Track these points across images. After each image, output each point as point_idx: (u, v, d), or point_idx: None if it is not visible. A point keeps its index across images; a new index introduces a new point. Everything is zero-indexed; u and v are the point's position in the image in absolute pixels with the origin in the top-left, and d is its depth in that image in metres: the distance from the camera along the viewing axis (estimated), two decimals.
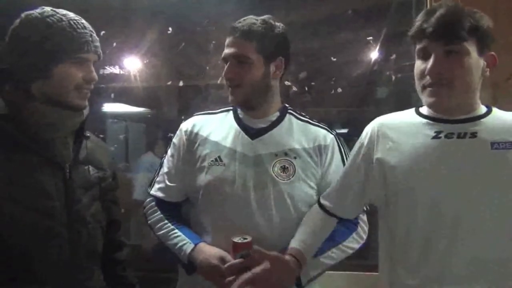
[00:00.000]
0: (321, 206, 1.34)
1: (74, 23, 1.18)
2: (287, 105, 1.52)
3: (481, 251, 1.07)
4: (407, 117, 1.23)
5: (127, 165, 3.56)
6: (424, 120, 1.19)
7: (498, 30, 1.63)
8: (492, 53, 1.13)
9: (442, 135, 1.14)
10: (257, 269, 1.19)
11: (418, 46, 1.13)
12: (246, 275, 1.19)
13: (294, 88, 2.80)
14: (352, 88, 3.01)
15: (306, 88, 2.86)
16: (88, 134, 1.33)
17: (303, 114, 1.52)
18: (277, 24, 1.42)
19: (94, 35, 1.23)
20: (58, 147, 1.20)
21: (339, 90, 2.83)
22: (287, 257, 1.26)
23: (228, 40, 1.40)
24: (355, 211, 1.36)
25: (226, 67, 1.40)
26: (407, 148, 1.16)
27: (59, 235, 1.17)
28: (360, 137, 1.30)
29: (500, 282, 1.07)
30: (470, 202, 1.08)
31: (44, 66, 1.15)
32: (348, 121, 3.10)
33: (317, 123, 1.49)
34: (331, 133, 1.48)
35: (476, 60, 1.10)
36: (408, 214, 1.15)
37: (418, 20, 1.12)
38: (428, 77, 1.11)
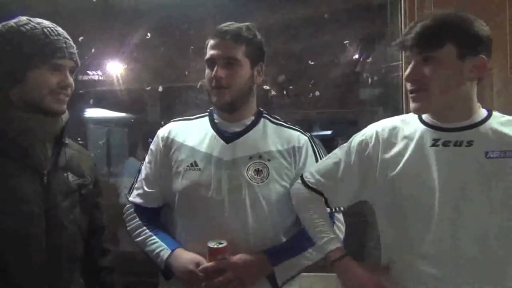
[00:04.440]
0: (313, 189, 1.33)
1: (48, 30, 1.21)
2: (262, 110, 1.53)
3: (475, 255, 1.10)
4: (409, 123, 1.25)
5: (109, 170, 3.54)
6: (424, 127, 1.20)
7: None
8: (482, 56, 1.12)
9: (440, 143, 1.16)
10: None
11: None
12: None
13: (273, 92, 2.81)
14: (334, 90, 3.03)
15: (285, 92, 2.87)
16: (68, 141, 1.33)
17: (277, 117, 1.54)
18: (257, 32, 1.45)
19: (70, 42, 1.25)
20: (37, 153, 1.22)
21: (317, 93, 2.85)
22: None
23: (214, 42, 1.40)
24: (346, 202, 1.36)
25: (215, 68, 1.39)
26: (408, 155, 1.19)
27: (38, 240, 1.18)
28: (361, 134, 1.30)
29: (496, 284, 1.10)
30: (463, 211, 1.11)
31: (19, 71, 1.17)
32: (331, 122, 3.12)
33: (291, 126, 1.51)
34: (305, 135, 1.49)
35: (453, 65, 1.11)
36: (409, 219, 1.17)
37: (403, 32, 1.18)
38: (409, 84, 1.16)
